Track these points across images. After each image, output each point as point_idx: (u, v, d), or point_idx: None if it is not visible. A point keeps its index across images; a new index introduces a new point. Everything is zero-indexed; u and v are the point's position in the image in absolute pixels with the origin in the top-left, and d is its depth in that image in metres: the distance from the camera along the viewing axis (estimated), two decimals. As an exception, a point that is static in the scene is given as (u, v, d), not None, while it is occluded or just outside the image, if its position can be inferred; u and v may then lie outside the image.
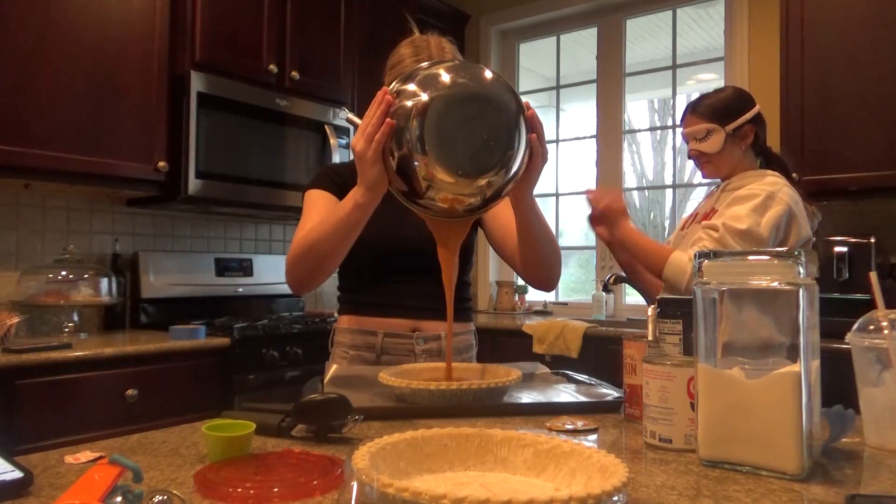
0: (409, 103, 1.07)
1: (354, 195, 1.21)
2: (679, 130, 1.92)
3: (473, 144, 1.08)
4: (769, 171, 1.78)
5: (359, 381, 1.27)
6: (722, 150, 1.77)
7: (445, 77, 1.09)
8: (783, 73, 2.71)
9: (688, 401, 0.90)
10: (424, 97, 1.07)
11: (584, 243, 4.07)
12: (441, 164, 1.06)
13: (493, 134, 1.09)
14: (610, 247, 1.87)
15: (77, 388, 2.03)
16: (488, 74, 1.13)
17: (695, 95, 1.89)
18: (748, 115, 1.78)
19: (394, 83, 1.13)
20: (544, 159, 1.18)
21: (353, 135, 1.17)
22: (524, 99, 1.15)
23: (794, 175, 2.59)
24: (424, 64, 1.16)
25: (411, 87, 1.09)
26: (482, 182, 1.09)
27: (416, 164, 1.07)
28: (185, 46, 2.61)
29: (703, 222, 1.68)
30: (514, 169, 1.12)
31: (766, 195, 1.65)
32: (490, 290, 4.00)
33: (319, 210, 1.42)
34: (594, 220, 1.81)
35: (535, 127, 1.14)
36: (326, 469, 0.77)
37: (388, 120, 1.09)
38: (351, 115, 1.36)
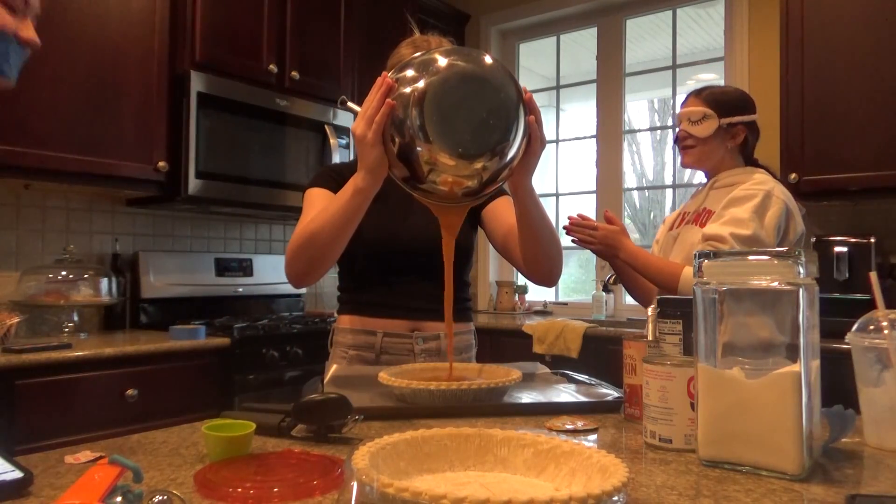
0: (408, 87, 1.08)
1: (355, 180, 1.21)
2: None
3: (473, 123, 1.08)
4: (756, 169, 1.79)
5: (359, 381, 1.27)
6: (709, 139, 1.77)
7: (443, 60, 1.09)
8: (783, 73, 2.71)
9: (688, 401, 0.90)
10: (424, 79, 1.07)
11: (584, 243, 4.07)
12: (442, 143, 1.06)
13: (492, 112, 1.09)
14: (612, 263, 1.87)
15: (77, 388, 2.03)
16: (486, 57, 1.14)
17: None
18: (745, 118, 1.79)
19: (392, 70, 1.13)
20: (543, 143, 1.18)
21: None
22: None
23: (792, 176, 2.62)
24: (420, 53, 1.16)
25: (410, 72, 1.09)
26: (481, 164, 1.09)
27: (417, 144, 1.07)
28: (185, 46, 2.61)
29: (705, 232, 1.66)
30: (514, 149, 1.12)
31: (764, 194, 1.65)
32: (490, 290, 4.00)
33: (319, 207, 1.42)
34: (596, 252, 1.82)
35: (532, 109, 1.14)
36: (326, 469, 0.77)
37: (387, 101, 1.09)
38: (351, 104, 1.36)
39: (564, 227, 1.82)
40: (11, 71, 1.06)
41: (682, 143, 1.82)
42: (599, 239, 1.77)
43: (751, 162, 1.84)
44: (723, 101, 1.79)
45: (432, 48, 1.42)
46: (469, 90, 1.09)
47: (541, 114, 1.17)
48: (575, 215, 1.83)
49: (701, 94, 1.81)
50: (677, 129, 1.84)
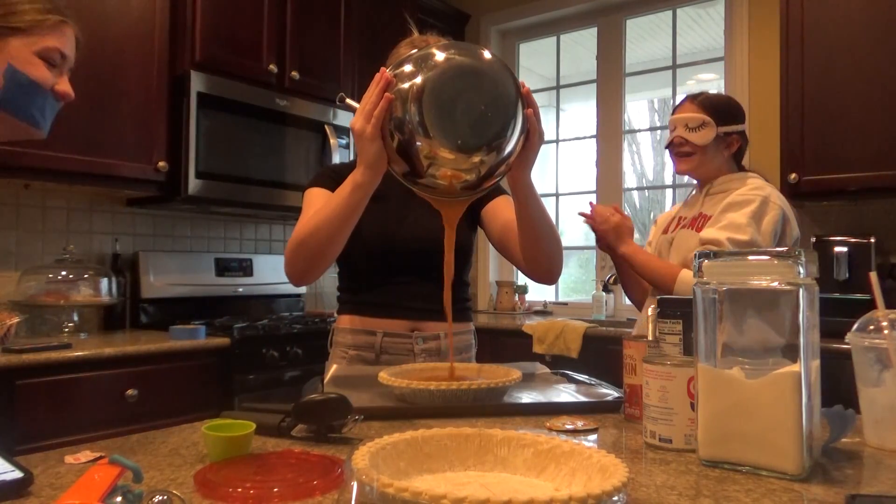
0: (406, 81, 1.08)
1: (354, 176, 1.21)
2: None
3: (472, 116, 1.08)
4: (749, 174, 1.79)
5: (359, 381, 1.27)
6: (707, 147, 1.76)
7: (441, 54, 1.10)
8: (783, 73, 2.71)
9: (688, 401, 0.90)
10: (422, 73, 1.07)
11: (584, 243, 4.07)
12: (441, 136, 1.06)
13: (490, 105, 1.09)
14: (612, 258, 1.88)
15: (77, 388, 2.03)
16: (483, 51, 1.14)
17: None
18: (739, 126, 1.79)
19: (391, 66, 1.14)
20: (541, 137, 1.18)
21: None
22: None
23: (792, 176, 2.62)
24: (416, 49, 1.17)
25: (408, 67, 1.10)
26: (479, 157, 1.09)
27: (416, 139, 1.08)
28: (185, 46, 2.61)
29: (703, 236, 1.66)
30: (513, 143, 1.12)
31: (761, 200, 1.66)
32: (490, 290, 4.00)
33: (318, 206, 1.42)
34: (599, 237, 1.82)
35: (530, 103, 1.14)
36: (326, 469, 0.77)
37: (386, 95, 1.09)
38: (349, 100, 1.36)
39: (590, 202, 1.85)
40: (45, 123, 1.11)
41: (679, 149, 1.80)
42: (614, 223, 1.78)
43: (741, 169, 1.84)
44: (721, 108, 1.77)
45: (429, 41, 1.43)
46: (467, 83, 1.09)
47: (538, 108, 1.17)
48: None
49: (697, 99, 1.80)
50: (672, 135, 1.81)
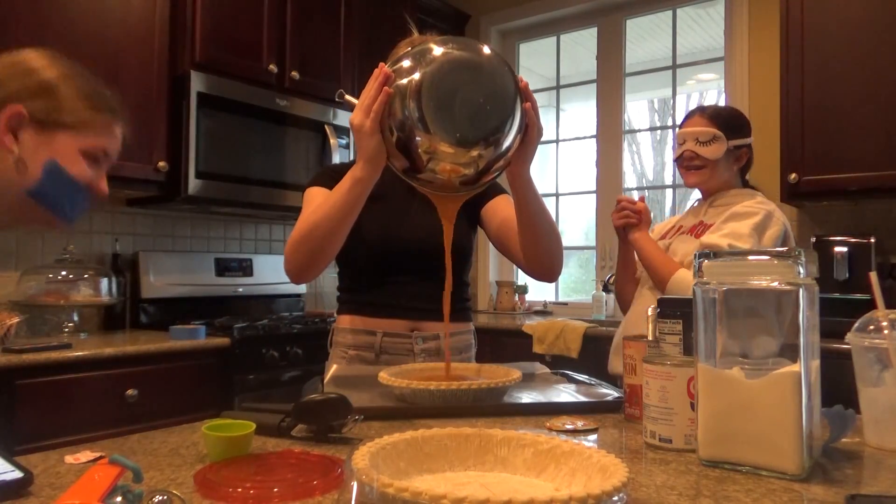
0: (405, 76, 1.08)
1: (353, 171, 1.21)
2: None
3: (470, 109, 1.08)
4: (755, 191, 1.80)
5: (359, 381, 1.27)
6: (718, 161, 1.76)
7: (439, 49, 1.10)
8: (783, 73, 2.71)
9: (688, 401, 0.90)
10: (420, 68, 1.08)
11: (584, 243, 4.07)
12: (440, 130, 1.06)
13: (488, 98, 1.10)
14: (620, 241, 1.88)
15: (77, 388, 2.03)
16: (480, 46, 1.14)
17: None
18: (748, 140, 1.79)
19: (390, 62, 1.14)
20: (540, 131, 1.18)
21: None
22: None
23: (792, 176, 2.62)
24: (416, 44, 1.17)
25: (406, 62, 1.10)
26: (477, 151, 1.09)
27: (415, 133, 1.08)
28: (185, 46, 2.61)
29: (703, 241, 1.66)
30: (512, 136, 1.12)
31: (765, 214, 1.66)
32: (490, 290, 4.00)
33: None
34: (626, 214, 1.83)
35: (528, 97, 1.14)
36: (326, 469, 0.77)
37: (384, 89, 1.09)
38: (348, 97, 1.36)
39: (641, 197, 1.88)
40: (74, 217, 1.11)
41: (689, 162, 1.79)
42: (644, 209, 1.81)
43: (745, 184, 1.85)
44: (731, 122, 1.77)
45: (428, 39, 1.43)
46: (465, 77, 1.09)
47: (537, 102, 1.17)
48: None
49: (707, 112, 1.79)
50: (681, 148, 1.80)
